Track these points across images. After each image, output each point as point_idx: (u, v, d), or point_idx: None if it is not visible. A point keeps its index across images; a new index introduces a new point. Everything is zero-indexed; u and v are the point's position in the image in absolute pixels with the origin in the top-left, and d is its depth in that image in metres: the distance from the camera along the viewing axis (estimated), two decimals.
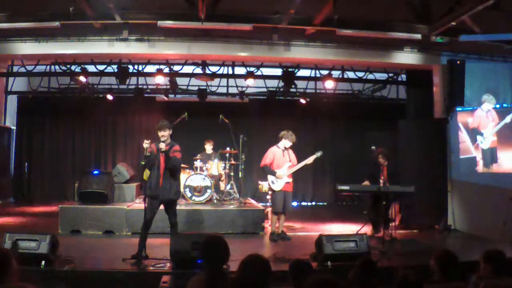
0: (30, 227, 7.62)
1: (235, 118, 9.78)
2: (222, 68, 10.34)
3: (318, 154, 7.14)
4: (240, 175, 9.21)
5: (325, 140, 12.13)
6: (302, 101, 11.24)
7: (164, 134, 5.62)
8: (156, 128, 5.68)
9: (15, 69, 10.53)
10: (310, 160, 7.12)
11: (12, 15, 7.13)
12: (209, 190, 8.50)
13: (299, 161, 7.20)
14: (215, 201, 8.70)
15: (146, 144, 5.49)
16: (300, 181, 11.46)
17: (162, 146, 5.53)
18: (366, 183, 7.40)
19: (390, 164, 7.56)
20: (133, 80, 10.62)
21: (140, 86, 10.65)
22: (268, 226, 7.63)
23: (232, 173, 9.39)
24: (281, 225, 7.20)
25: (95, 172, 8.40)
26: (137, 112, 11.89)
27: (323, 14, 6.87)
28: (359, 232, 6.20)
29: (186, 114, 8.99)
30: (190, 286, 2.87)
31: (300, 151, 7.55)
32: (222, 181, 9.52)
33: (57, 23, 7.07)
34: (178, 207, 5.93)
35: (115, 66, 9.80)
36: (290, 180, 7.11)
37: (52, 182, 11.81)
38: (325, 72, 10.32)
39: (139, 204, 7.76)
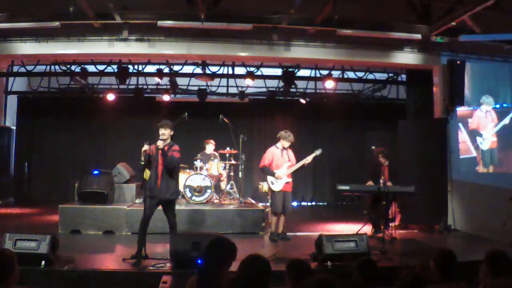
0: (30, 227, 7.61)
1: (235, 118, 9.77)
2: (222, 68, 10.33)
3: (318, 152, 7.11)
4: (240, 175, 9.21)
5: (325, 140, 12.11)
6: (302, 101, 11.22)
7: (165, 132, 5.64)
8: (158, 126, 5.70)
9: (15, 69, 10.53)
10: (309, 159, 7.07)
11: (12, 15, 7.13)
12: (209, 190, 8.49)
13: (298, 160, 7.20)
14: (215, 201, 8.70)
15: (146, 147, 5.50)
16: (300, 181, 11.46)
17: (160, 144, 5.54)
18: (370, 183, 7.39)
19: (391, 163, 7.55)
20: (133, 80, 10.61)
21: (140, 86, 10.64)
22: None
23: (232, 173, 9.39)
24: (281, 225, 7.19)
25: (95, 172, 8.38)
26: (137, 112, 11.87)
27: (323, 14, 6.87)
28: (359, 232, 6.20)
29: (186, 114, 8.99)
30: (187, 286, 2.88)
31: (300, 151, 7.54)
32: (222, 181, 9.52)
33: (57, 23, 7.07)
34: (178, 207, 5.93)
35: (115, 66, 9.78)
36: (290, 180, 7.09)
37: (52, 182, 11.80)
38: (325, 72, 10.31)
39: (139, 204, 7.75)
